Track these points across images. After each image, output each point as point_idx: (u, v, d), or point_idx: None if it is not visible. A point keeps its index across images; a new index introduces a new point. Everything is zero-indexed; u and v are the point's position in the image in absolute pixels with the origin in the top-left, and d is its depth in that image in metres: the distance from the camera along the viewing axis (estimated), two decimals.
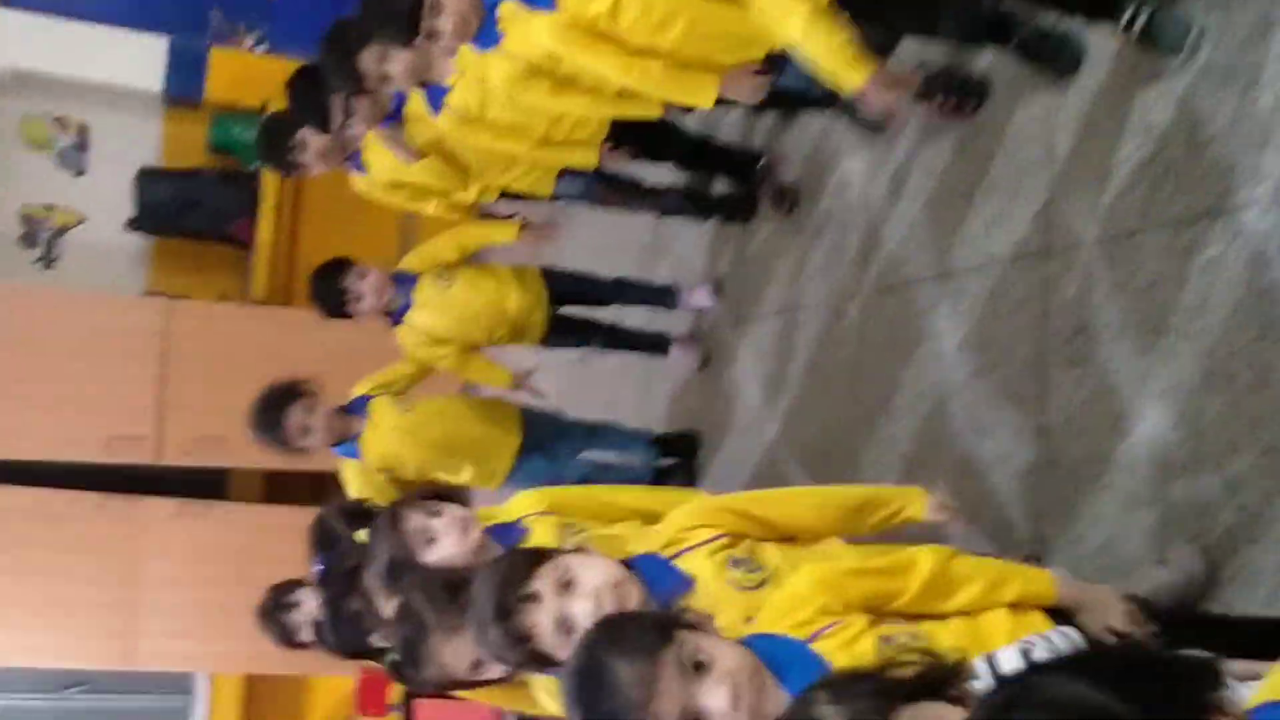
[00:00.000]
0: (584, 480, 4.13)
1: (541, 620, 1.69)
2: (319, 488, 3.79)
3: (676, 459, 4.28)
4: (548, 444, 4.02)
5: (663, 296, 4.34)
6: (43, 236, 7.08)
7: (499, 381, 4.04)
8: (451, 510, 2.24)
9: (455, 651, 1.99)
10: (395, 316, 3.83)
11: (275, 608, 3.23)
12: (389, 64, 3.09)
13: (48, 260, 7.07)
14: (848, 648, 1.53)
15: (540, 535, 2.33)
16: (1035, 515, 2.64)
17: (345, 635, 2.55)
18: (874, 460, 3.25)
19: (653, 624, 1.49)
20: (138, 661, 6.14)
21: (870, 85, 2.40)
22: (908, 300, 3.20)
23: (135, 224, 6.89)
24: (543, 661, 1.72)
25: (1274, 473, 2.10)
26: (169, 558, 6.19)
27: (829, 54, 2.38)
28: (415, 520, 2.20)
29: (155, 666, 6.32)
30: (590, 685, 1.41)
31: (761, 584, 1.80)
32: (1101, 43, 2.62)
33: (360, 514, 3.11)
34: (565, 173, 3.62)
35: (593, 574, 1.74)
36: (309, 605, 3.19)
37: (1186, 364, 2.31)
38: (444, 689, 2.10)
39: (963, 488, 2.87)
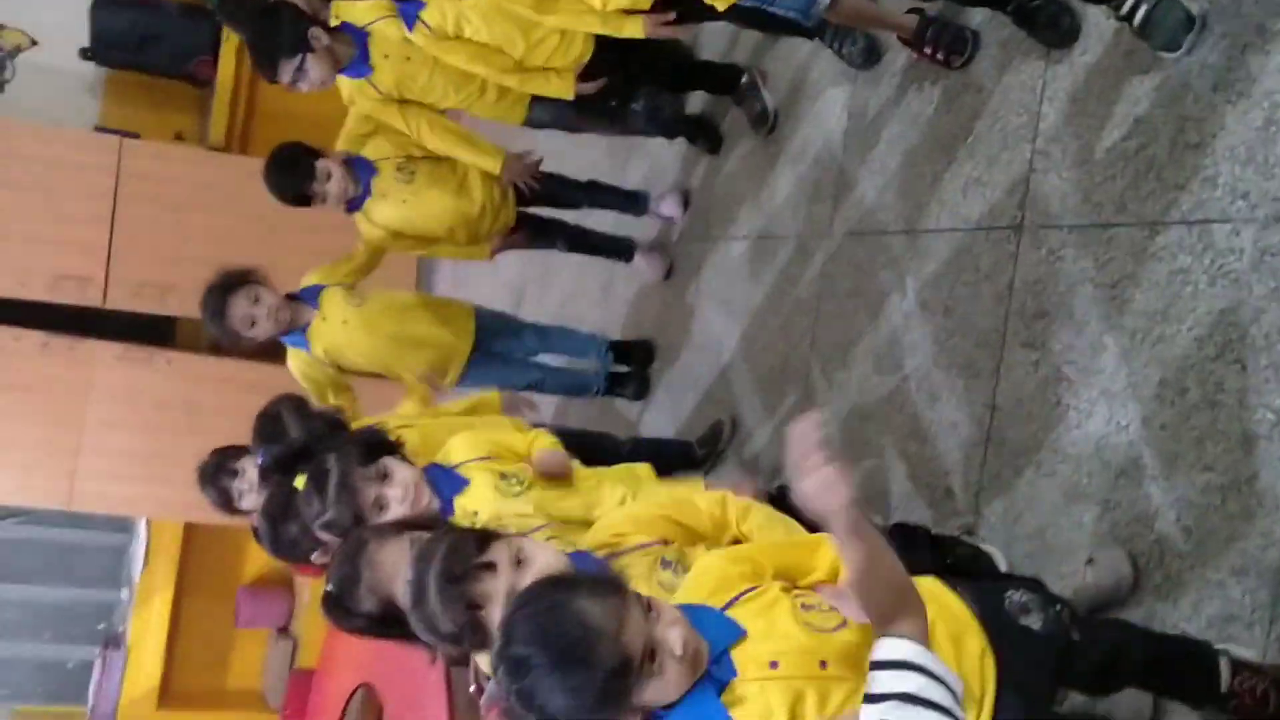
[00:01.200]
0: (536, 384, 4.15)
1: (495, 591, 1.71)
2: (265, 343, 3.75)
3: (630, 367, 4.30)
4: (500, 346, 4.00)
5: (631, 202, 4.28)
6: None
7: (478, 255, 4.00)
8: (401, 475, 2.23)
9: (392, 557, 2.02)
10: (353, 204, 3.75)
11: (216, 472, 3.25)
12: None
13: None
14: (765, 612, 1.59)
15: (479, 485, 2.35)
16: (976, 489, 2.69)
17: (284, 553, 2.58)
18: (825, 404, 3.28)
19: (605, 577, 1.56)
20: (76, 503, 6.18)
21: None
22: (875, 250, 3.18)
23: (90, 54, 6.64)
24: (479, 634, 1.74)
25: (1211, 491, 2.15)
26: (112, 402, 6.17)
27: None
28: (367, 490, 2.20)
29: (94, 509, 6.36)
30: (557, 619, 1.43)
31: None
32: (1100, 20, 2.56)
33: (309, 413, 3.11)
34: (537, 99, 3.52)
35: (543, 556, 1.78)
36: (251, 474, 3.21)
37: (1141, 369, 2.33)
38: (379, 623, 2.11)
39: (908, 450, 2.92)
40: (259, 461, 3.12)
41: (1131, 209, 2.43)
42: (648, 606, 1.47)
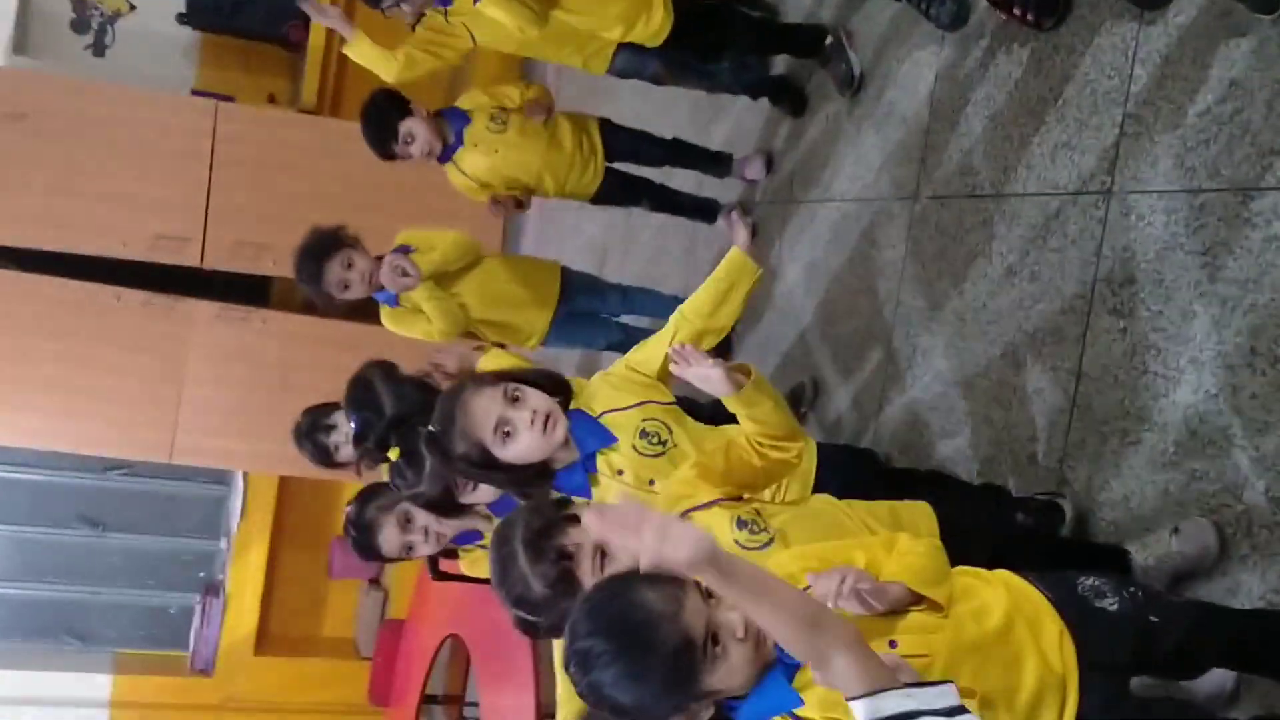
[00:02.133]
0: (618, 344, 4.20)
1: (583, 540, 1.77)
2: (356, 304, 3.87)
3: None
4: (584, 306, 4.06)
5: (715, 163, 4.29)
6: (94, 22, 7.00)
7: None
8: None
9: (484, 404, 2.09)
10: (444, 154, 3.82)
11: (311, 429, 3.36)
12: None
13: (98, 48, 7.01)
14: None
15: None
16: (1061, 455, 2.68)
17: (371, 558, 2.69)
18: (908, 369, 3.28)
19: (664, 572, 1.60)
20: (177, 456, 6.38)
21: None
22: (962, 214, 3.16)
23: (186, 18, 6.80)
24: (572, 589, 1.78)
25: None
26: (210, 359, 6.35)
27: None
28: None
29: (193, 462, 6.57)
30: (616, 607, 1.48)
31: (767, 544, 1.88)
32: None
33: (398, 377, 3.18)
34: (621, 49, 3.54)
35: None
36: (344, 428, 3.31)
37: (1232, 338, 2.30)
38: (477, 465, 2.13)
39: (992, 415, 2.91)
40: (351, 428, 3.22)
41: (1225, 174, 2.38)
42: (707, 593, 1.50)
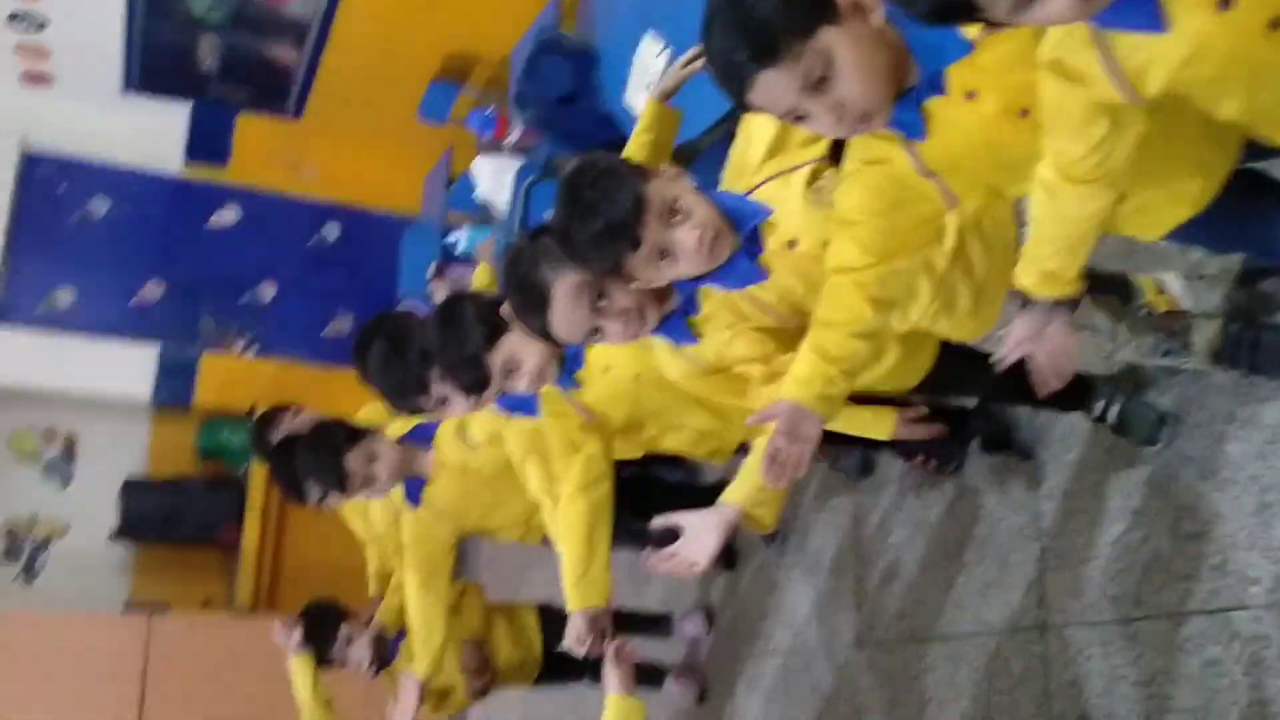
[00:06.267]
0: None
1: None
2: None
3: None
4: None
5: (656, 625, 4.27)
6: (25, 549, 7.02)
7: None
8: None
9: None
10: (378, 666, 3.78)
11: None
12: (376, 464, 3.13)
13: (29, 574, 6.97)
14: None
15: None
16: None
17: None
18: None
19: None
20: None
21: None
22: (907, 659, 3.13)
23: (120, 534, 6.84)
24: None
25: None
26: None
27: None
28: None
29: None
30: None
31: None
32: (1079, 420, 2.66)
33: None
34: None
35: None
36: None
37: None
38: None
39: None
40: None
41: (1148, 601, 2.42)
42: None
